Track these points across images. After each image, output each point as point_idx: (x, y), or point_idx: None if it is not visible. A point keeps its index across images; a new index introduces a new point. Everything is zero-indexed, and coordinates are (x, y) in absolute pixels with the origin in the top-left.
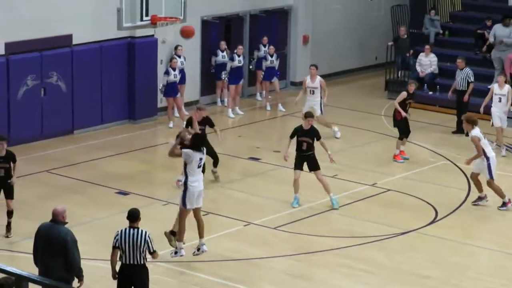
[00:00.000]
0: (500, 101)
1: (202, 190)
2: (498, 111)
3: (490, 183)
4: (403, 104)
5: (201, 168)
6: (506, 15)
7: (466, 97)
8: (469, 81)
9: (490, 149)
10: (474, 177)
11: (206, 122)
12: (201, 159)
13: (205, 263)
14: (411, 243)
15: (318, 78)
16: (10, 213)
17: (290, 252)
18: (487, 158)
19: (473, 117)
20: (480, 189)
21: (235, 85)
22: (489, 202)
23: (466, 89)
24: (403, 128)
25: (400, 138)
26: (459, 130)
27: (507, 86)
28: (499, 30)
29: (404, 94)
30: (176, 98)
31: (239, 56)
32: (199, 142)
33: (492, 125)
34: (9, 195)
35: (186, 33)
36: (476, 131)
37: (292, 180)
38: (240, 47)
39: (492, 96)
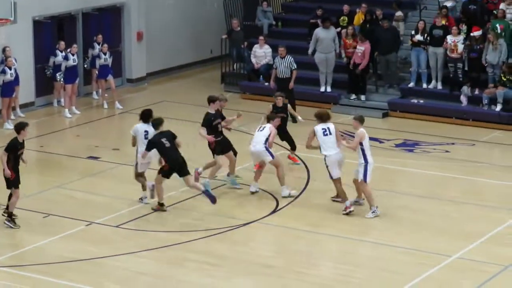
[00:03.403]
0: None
1: None
2: None
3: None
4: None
5: None
6: (326, 18)
7: (291, 84)
8: (292, 68)
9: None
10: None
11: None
12: None
13: (48, 266)
14: (254, 234)
15: None
16: None
17: (134, 250)
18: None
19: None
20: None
21: (71, 84)
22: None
23: (289, 76)
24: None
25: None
26: None
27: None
28: (321, 33)
29: (269, 108)
30: (12, 98)
31: (73, 55)
32: None
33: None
34: None
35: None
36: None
37: (132, 177)
38: (75, 45)
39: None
